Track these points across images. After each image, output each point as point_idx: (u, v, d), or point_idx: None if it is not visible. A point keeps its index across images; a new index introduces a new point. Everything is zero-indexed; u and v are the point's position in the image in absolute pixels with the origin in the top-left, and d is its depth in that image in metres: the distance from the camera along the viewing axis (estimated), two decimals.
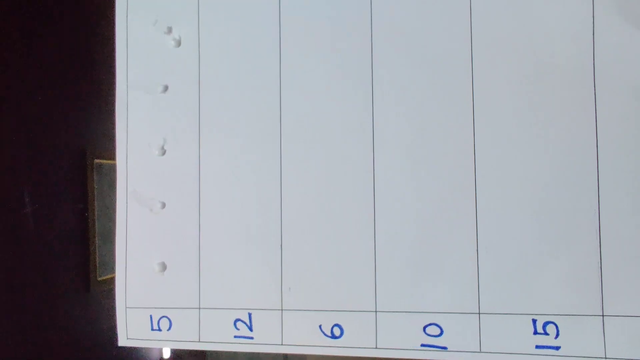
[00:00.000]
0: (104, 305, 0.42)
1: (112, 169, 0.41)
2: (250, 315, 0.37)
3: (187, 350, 0.41)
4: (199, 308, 0.38)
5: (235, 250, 0.38)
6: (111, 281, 0.41)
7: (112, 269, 0.40)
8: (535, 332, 0.33)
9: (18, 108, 0.45)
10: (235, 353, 0.40)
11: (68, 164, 0.45)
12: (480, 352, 0.33)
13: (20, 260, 0.45)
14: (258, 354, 0.39)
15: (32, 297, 0.45)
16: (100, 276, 0.44)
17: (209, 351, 0.40)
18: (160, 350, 0.43)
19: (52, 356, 0.45)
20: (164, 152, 0.39)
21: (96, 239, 0.44)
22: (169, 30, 0.39)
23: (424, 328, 0.34)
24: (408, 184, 0.35)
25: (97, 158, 0.44)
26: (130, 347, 0.41)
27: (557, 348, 0.32)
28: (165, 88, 0.39)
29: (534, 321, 0.33)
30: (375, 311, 0.35)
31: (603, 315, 0.32)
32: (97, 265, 0.44)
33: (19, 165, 0.45)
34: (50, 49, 0.44)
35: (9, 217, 0.45)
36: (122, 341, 0.40)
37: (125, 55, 0.40)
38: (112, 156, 0.41)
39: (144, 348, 0.42)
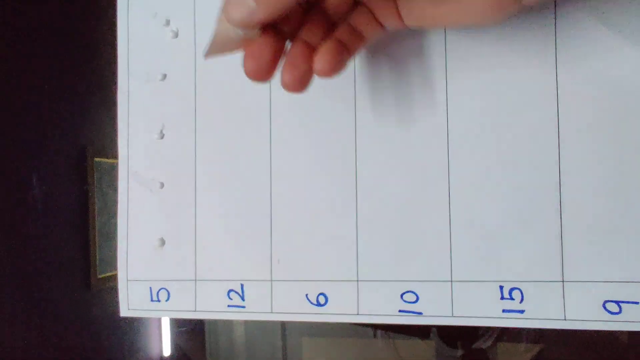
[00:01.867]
0: (105, 302, 0.43)
1: (112, 168, 0.43)
2: (242, 286, 0.40)
3: (188, 348, 0.43)
4: (195, 280, 0.41)
5: (229, 227, 0.41)
6: (111, 279, 0.42)
7: (112, 267, 0.43)
8: (502, 298, 0.36)
9: (17, 107, 0.46)
10: (233, 345, 0.42)
11: (68, 163, 0.45)
12: (452, 316, 0.36)
13: (19, 258, 0.46)
14: (254, 344, 0.41)
15: (32, 295, 0.46)
16: (101, 274, 0.46)
17: (209, 349, 0.42)
18: (161, 350, 0.44)
19: (51, 354, 0.46)
20: (162, 136, 0.42)
21: (96, 236, 0.45)
22: (167, 22, 0.42)
23: (402, 295, 0.37)
24: (387, 168, 0.38)
25: (97, 157, 0.45)
26: (130, 345, 0.43)
27: (522, 312, 0.35)
28: (164, 76, 0.42)
29: (501, 287, 0.36)
30: (357, 280, 0.38)
31: (563, 281, 0.35)
32: (98, 262, 0.45)
33: (19, 164, 0.46)
34: (50, 47, 0.46)
35: (9, 215, 0.46)
36: (123, 312, 0.43)
37: (127, 47, 0.43)
38: (112, 155, 0.43)
39: (144, 348, 0.44)
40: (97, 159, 0.44)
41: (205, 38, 0.41)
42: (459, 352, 0.37)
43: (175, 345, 0.43)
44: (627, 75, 0.34)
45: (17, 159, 0.46)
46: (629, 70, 0.34)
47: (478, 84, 0.36)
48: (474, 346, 0.37)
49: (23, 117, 0.46)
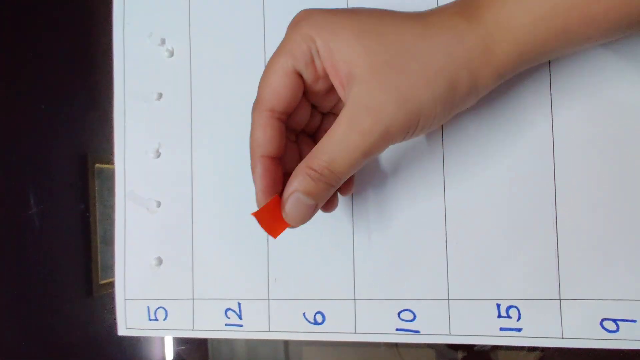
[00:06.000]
0: (107, 308, 0.44)
1: (113, 174, 0.43)
2: (239, 304, 0.40)
3: (190, 353, 0.43)
4: (193, 299, 0.41)
5: (226, 245, 0.41)
6: (113, 284, 0.43)
7: (114, 272, 0.43)
8: (499, 316, 0.36)
9: (20, 114, 0.46)
10: (234, 350, 0.42)
11: (69, 169, 0.45)
12: (450, 334, 0.36)
13: (22, 264, 0.46)
14: (256, 351, 0.41)
15: (34, 301, 0.46)
16: (103, 279, 0.46)
17: (211, 352, 0.42)
18: (163, 357, 0.44)
19: (53, 359, 0.46)
20: (159, 155, 0.42)
21: (98, 242, 0.45)
22: (163, 41, 0.42)
23: (399, 314, 0.37)
24: (384, 185, 0.38)
25: (98, 163, 0.45)
26: (133, 351, 0.43)
27: (519, 330, 0.35)
28: (160, 96, 0.42)
29: (498, 305, 0.36)
30: (354, 299, 0.38)
31: (560, 299, 0.35)
32: (99, 268, 0.45)
33: (21, 170, 0.46)
34: (53, 58, 0.46)
35: (11, 222, 0.46)
36: (121, 331, 0.43)
37: (123, 66, 0.43)
38: (113, 161, 0.43)
39: (146, 354, 0.44)
40: (98, 165, 0.44)
41: (200, 56, 0.42)
42: (461, 355, 0.37)
43: (178, 352, 0.43)
44: (623, 94, 0.34)
45: (19, 165, 0.46)
46: (625, 90, 0.34)
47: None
48: (475, 348, 0.37)
49: (24, 124, 0.47)
